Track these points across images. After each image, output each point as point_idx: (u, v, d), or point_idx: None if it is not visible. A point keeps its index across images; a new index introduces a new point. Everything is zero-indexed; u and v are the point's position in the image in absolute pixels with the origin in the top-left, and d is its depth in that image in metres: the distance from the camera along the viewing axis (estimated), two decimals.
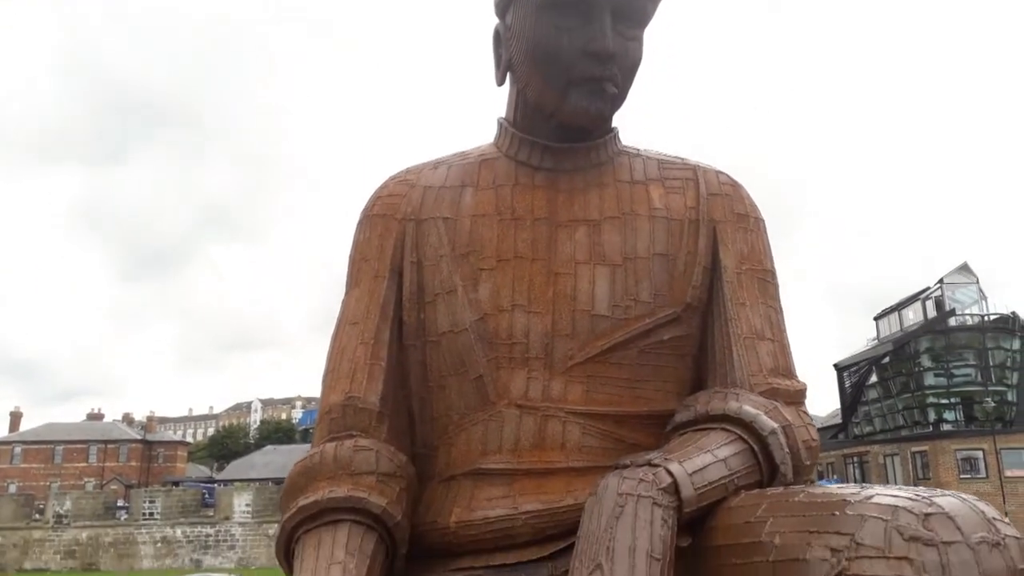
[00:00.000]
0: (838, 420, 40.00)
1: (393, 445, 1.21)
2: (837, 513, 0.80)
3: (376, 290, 1.30)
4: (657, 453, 1.02)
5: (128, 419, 75.37)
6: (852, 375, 37.72)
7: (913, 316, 34.74)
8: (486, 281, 1.25)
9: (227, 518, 36.22)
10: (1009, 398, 31.22)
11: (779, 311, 1.31)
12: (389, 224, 1.34)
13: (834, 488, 0.87)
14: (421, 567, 1.18)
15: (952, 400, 32.28)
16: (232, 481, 45.53)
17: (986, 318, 33.00)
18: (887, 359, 34.54)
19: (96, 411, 67.66)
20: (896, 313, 36.34)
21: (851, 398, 37.53)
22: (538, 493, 1.13)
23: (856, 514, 0.78)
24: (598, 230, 1.26)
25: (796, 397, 1.22)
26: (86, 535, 36.26)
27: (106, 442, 60.13)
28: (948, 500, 0.77)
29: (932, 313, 33.46)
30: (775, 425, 1.09)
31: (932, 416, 32.44)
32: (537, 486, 1.14)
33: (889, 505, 0.77)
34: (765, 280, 1.31)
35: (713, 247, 1.29)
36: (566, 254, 1.25)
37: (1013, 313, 32.33)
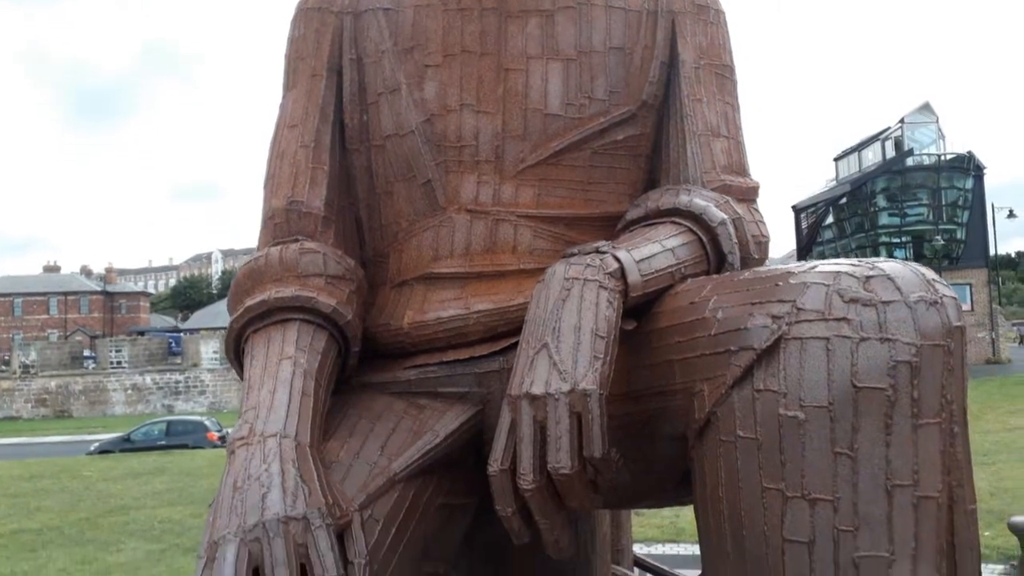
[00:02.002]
0: (794, 261, 40.90)
1: (341, 250, 1.18)
2: (780, 283, 0.80)
3: (314, 90, 1.23)
4: (605, 243, 1.01)
5: (86, 271, 74.62)
6: (809, 216, 38.36)
7: (872, 157, 34.97)
8: (432, 79, 1.18)
9: (195, 365, 36.86)
10: (958, 236, 32.14)
11: (736, 108, 1.27)
12: (325, 18, 1.24)
13: (780, 265, 0.87)
14: (375, 367, 1.19)
15: (904, 239, 33.14)
16: (198, 330, 45.94)
17: (943, 158, 33.38)
18: (844, 200, 35.04)
19: (52, 264, 66.75)
20: (856, 154, 36.54)
21: (807, 239, 38.35)
22: (489, 294, 1.12)
23: (799, 282, 0.78)
24: (551, 21, 1.19)
25: (748, 194, 1.21)
26: (55, 384, 36.76)
27: (66, 294, 59.83)
28: (890, 264, 0.77)
29: (891, 153, 33.69)
30: (724, 216, 1.08)
31: (883, 254, 33.34)
32: (488, 288, 1.13)
33: (832, 272, 0.77)
34: (723, 76, 1.26)
35: (671, 40, 1.23)
36: (517, 48, 1.18)
37: (969, 152, 32.73)
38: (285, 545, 0.75)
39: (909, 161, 33.13)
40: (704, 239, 1.07)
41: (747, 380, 0.77)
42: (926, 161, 33.45)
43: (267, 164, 1.25)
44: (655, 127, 1.23)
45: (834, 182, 38.32)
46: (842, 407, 0.70)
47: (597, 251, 0.98)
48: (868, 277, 0.75)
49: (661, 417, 0.94)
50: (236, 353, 1.12)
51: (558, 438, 0.82)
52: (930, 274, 0.76)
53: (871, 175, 33.55)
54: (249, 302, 1.09)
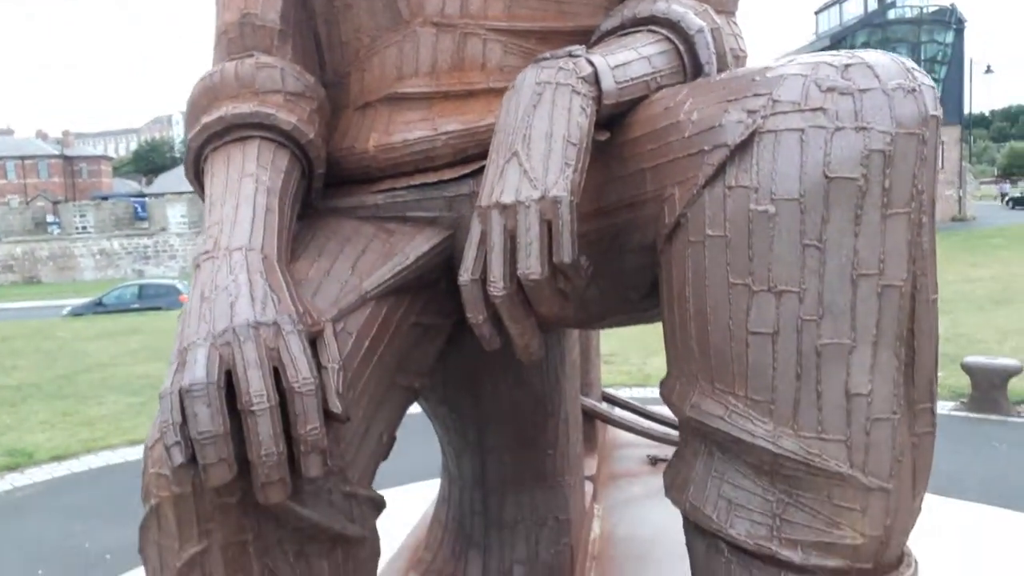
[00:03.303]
0: None
1: (299, 66, 1.12)
2: (757, 78, 0.77)
3: None
4: (579, 47, 0.97)
5: (42, 135, 71.86)
6: None
7: (854, 9, 34.01)
8: None
9: (163, 229, 36.35)
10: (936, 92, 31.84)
11: None
12: None
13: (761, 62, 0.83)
14: (341, 192, 1.16)
15: None
16: (164, 194, 45.00)
17: (924, 10, 32.53)
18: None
19: (6, 128, 64.09)
20: (837, 6, 35.47)
21: None
22: (458, 115, 1.08)
23: (776, 75, 0.75)
24: None
25: (728, 5, 1.16)
26: (20, 250, 36.19)
27: (23, 158, 57.84)
28: (871, 53, 0.74)
29: (873, 6, 32.80)
30: (703, 24, 1.03)
31: None
32: (456, 108, 1.08)
33: (811, 63, 0.74)
34: None
35: None
36: None
37: (952, 5, 31.90)
38: (256, 348, 0.74)
39: (891, 14, 32.28)
40: (681, 48, 1.03)
41: (719, 178, 0.75)
42: (908, 14, 32.60)
43: None
44: None
45: (814, 36, 37.40)
46: (813, 199, 0.70)
47: (570, 55, 0.93)
48: (847, 65, 0.72)
49: (631, 228, 0.93)
50: (196, 174, 1.09)
51: (528, 244, 0.81)
52: (910, 63, 0.74)
53: (851, 29, 32.71)
54: (206, 119, 1.04)
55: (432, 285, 1.08)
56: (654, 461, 2.44)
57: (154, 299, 19.80)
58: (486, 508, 1.43)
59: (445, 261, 1.08)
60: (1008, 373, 5.82)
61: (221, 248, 0.87)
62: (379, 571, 1.47)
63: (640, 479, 2.29)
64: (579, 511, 1.55)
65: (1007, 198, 45.50)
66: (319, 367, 0.79)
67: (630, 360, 7.84)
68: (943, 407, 5.87)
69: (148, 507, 0.74)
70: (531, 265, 0.81)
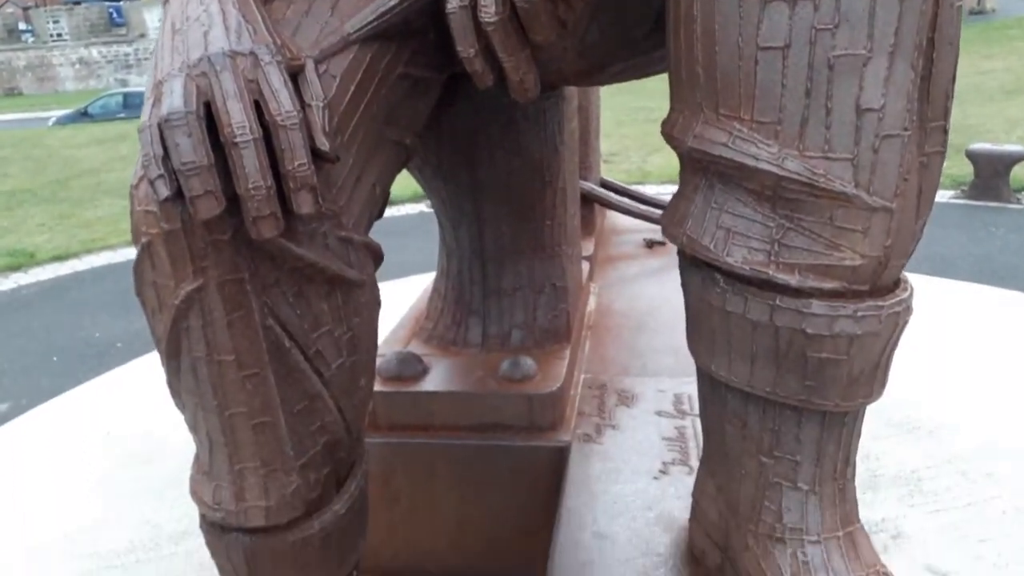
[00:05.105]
0: None
1: None
2: None
3: None
4: None
5: None
6: None
7: None
8: None
9: (143, 35, 34.66)
10: None
11: None
12: None
13: None
14: None
15: None
16: None
17: None
18: None
19: None
20: None
21: None
22: None
23: None
24: None
25: None
26: None
27: None
28: None
29: None
30: None
31: None
32: None
33: None
34: None
35: None
36: None
37: None
38: (235, 79, 0.69)
39: None
40: None
41: None
42: None
43: None
44: None
45: None
46: None
47: None
48: None
49: None
50: None
51: None
52: None
53: None
54: None
55: (420, 34, 1.01)
56: (651, 244, 2.45)
57: (139, 108, 18.67)
58: (484, 277, 1.45)
59: (431, 5, 1.00)
60: (1012, 160, 5.77)
61: None
62: (380, 342, 1.52)
63: (637, 260, 2.32)
64: (576, 281, 1.57)
65: None
66: (302, 104, 0.75)
67: (630, 159, 7.76)
68: (942, 195, 5.88)
69: (139, 247, 0.73)
70: None
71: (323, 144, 0.71)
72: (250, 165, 0.66)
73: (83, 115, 19.39)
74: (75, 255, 6.07)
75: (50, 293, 5.40)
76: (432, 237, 1.54)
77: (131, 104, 19.73)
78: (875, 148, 0.65)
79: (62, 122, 18.59)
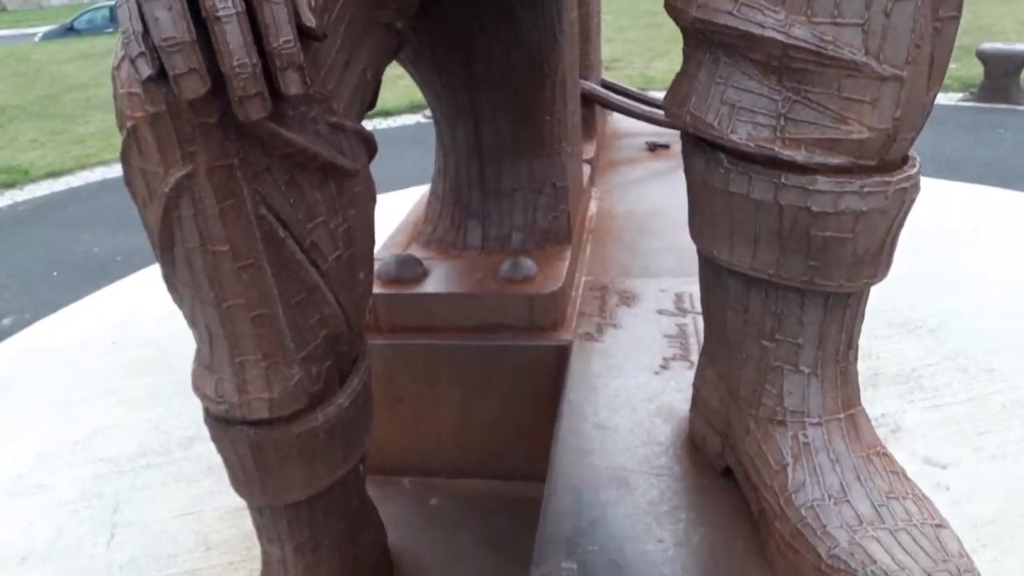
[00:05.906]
0: None
1: None
2: None
3: None
4: None
5: None
6: None
7: None
8: None
9: None
10: None
11: None
12: None
13: None
14: None
15: None
16: None
17: None
18: None
19: None
20: None
21: None
22: None
23: None
24: None
25: None
26: None
27: None
28: None
29: None
30: None
31: None
32: None
33: None
34: None
35: None
36: None
37: None
38: None
39: None
40: None
41: None
42: None
43: None
44: None
45: None
46: None
47: None
48: None
49: None
50: None
51: None
52: None
53: None
54: None
55: None
56: (653, 147, 2.41)
57: None
58: (483, 178, 1.42)
59: None
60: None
61: None
62: (379, 248, 1.50)
63: (640, 164, 2.27)
64: (576, 181, 1.54)
65: None
66: None
67: (633, 64, 7.56)
68: (950, 98, 5.76)
69: (125, 132, 0.70)
70: None
71: (309, 20, 0.68)
72: (234, 41, 0.63)
73: (69, 30, 18.87)
74: (70, 171, 6.00)
75: (46, 209, 5.36)
76: (430, 148, 1.50)
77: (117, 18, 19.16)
78: (887, 11, 0.61)
79: (48, 37, 18.12)
